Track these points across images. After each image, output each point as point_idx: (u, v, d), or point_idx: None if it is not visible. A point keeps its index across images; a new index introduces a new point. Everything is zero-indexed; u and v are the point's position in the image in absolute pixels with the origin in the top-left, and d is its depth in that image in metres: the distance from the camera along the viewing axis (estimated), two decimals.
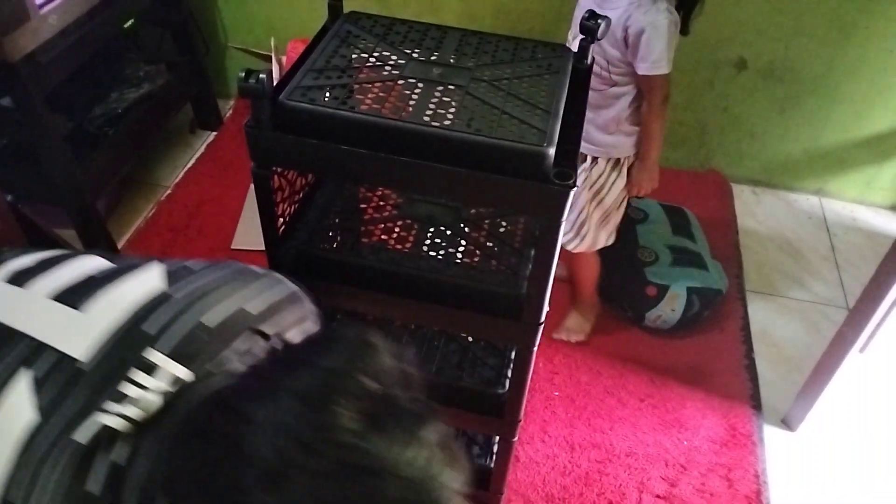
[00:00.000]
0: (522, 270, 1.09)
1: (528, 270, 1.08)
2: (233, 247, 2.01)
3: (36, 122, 1.62)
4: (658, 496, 1.50)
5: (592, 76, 1.41)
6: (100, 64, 2.01)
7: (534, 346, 1.05)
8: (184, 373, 0.57)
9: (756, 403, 1.69)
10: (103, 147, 1.91)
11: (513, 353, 1.26)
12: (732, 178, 2.33)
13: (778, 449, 1.61)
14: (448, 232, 1.18)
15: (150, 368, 0.56)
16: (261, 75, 0.81)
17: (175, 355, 0.57)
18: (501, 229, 1.19)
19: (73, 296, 0.60)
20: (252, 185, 0.96)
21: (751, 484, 1.52)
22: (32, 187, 1.80)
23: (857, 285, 1.81)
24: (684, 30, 1.37)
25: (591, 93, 1.42)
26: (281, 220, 1.05)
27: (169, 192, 2.18)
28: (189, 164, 2.30)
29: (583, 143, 1.51)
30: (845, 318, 1.45)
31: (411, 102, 0.89)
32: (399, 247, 1.18)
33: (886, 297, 1.33)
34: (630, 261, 1.81)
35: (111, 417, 0.54)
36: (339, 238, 1.21)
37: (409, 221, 1.20)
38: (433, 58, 0.97)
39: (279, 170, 0.99)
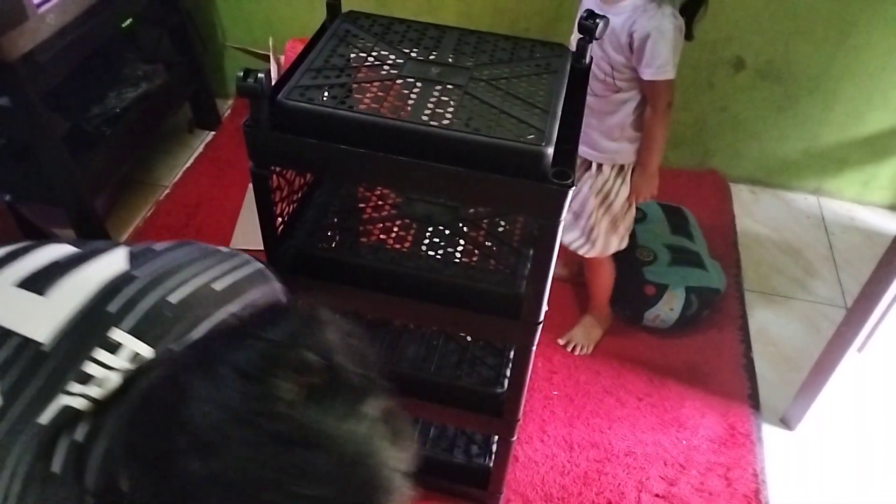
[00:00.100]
0: (521, 270, 1.09)
1: (526, 270, 1.08)
2: (231, 246, 2.01)
3: (34, 121, 1.62)
4: (657, 495, 1.50)
5: (597, 83, 1.41)
6: (98, 63, 2.00)
7: (532, 345, 1.05)
8: (146, 350, 0.57)
9: (755, 402, 1.69)
10: (101, 147, 1.91)
11: (511, 353, 1.26)
12: (731, 178, 2.33)
13: (777, 448, 1.61)
14: (447, 231, 1.18)
15: (113, 347, 0.56)
16: (259, 75, 0.81)
17: (138, 333, 0.57)
18: (500, 229, 1.19)
19: (38, 282, 0.61)
20: (251, 185, 0.96)
21: (749, 483, 1.52)
22: (31, 187, 1.80)
23: (855, 284, 1.81)
24: (688, 35, 1.35)
25: (595, 99, 1.43)
26: (279, 219, 1.05)
27: (167, 191, 2.18)
28: (187, 164, 2.29)
29: (587, 150, 1.52)
30: (844, 317, 1.45)
31: (410, 102, 0.89)
32: (398, 246, 1.18)
33: (884, 296, 1.33)
34: (628, 260, 1.81)
35: (74, 398, 0.54)
36: (337, 237, 1.21)
37: (407, 221, 1.20)
38: (431, 57, 0.97)
39: (278, 169, 0.99)
